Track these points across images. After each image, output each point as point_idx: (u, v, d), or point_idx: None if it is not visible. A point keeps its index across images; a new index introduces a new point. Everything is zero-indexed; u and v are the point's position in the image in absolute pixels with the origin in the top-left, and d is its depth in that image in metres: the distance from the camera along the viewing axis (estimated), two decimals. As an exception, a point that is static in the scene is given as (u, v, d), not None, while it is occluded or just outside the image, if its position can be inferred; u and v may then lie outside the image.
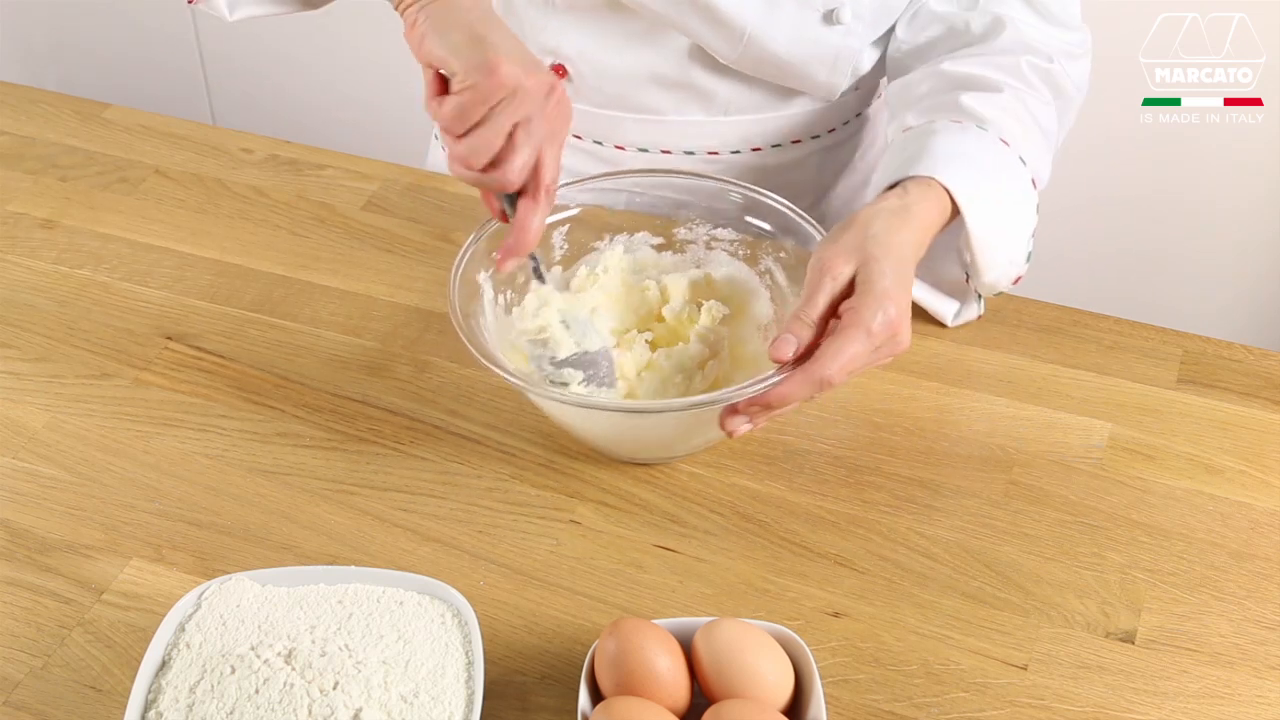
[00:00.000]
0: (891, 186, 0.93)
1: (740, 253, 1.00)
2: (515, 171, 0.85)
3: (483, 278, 0.95)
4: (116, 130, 1.28)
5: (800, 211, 0.96)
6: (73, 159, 1.24)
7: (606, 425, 0.90)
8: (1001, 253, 0.97)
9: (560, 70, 1.10)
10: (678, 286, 0.98)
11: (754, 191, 0.98)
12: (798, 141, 1.14)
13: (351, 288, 1.09)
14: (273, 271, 1.11)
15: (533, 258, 0.92)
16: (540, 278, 0.93)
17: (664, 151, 1.13)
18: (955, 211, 0.94)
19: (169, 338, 1.05)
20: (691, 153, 1.13)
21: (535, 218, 0.87)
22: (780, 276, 0.98)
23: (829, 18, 1.03)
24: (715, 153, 1.13)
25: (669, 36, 1.05)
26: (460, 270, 0.92)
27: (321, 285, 1.10)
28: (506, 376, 0.86)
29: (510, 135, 0.84)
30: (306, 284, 1.10)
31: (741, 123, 1.11)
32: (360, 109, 2.16)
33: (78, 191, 1.20)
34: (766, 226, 0.98)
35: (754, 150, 1.13)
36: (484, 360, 0.86)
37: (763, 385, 0.84)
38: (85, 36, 2.37)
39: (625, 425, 0.89)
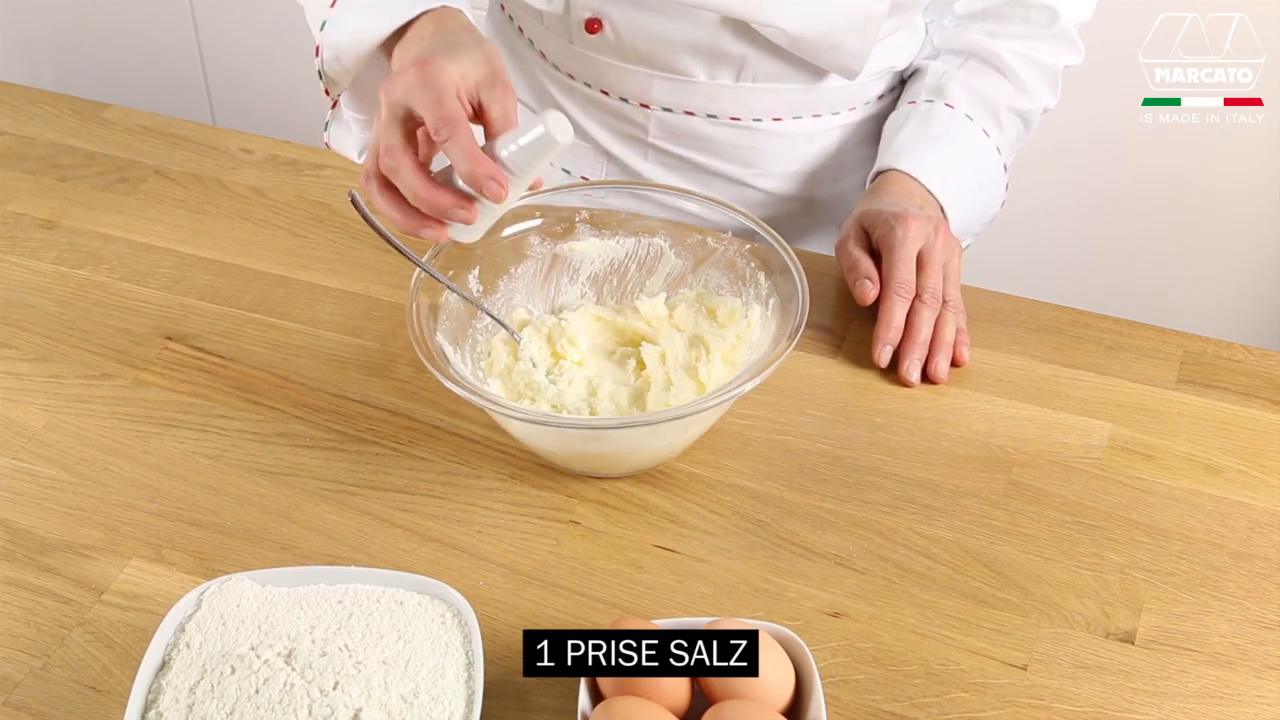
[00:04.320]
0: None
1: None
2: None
3: (446, 292, 0.95)
4: (116, 130, 1.28)
5: (754, 217, 0.98)
6: (73, 159, 1.24)
7: (563, 442, 0.90)
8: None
9: (597, 24, 1.10)
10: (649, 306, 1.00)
11: (706, 198, 1.00)
12: (818, 116, 1.15)
13: (351, 288, 1.09)
14: (272, 271, 1.11)
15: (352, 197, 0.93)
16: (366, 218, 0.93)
17: (688, 113, 1.14)
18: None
19: (169, 338, 1.05)
20: (714, 116, 1.14)
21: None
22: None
23: None
24: (737, 119, 1.14)
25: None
26: (418, 287, 0.93)
27: (321, 285, 1.10)
28: (467, 395, 0.86)
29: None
30: (306, 284, 1.10)
31: (769, 90, 1.12)
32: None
33: (78, 191, 1.20)
34: (722, 234, 0.99)
35: (775, 120, 1.14)
36: (446, 380, 0.86)
37: (736, 392, 0.85)
38: (85, 36, 2.37)
39: (583, 442, 0.90)
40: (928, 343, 1.01)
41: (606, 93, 1.16)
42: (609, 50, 1.12)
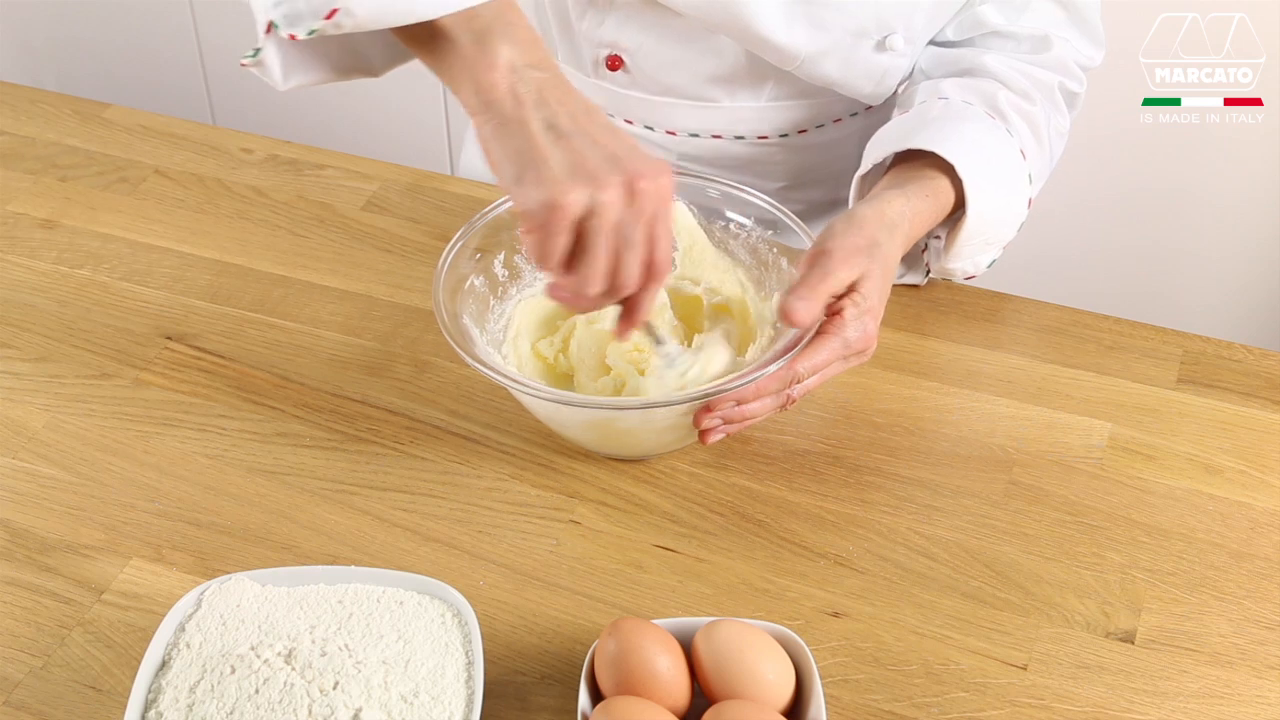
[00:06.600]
0: (901, 160, 0.99)
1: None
2: (632, 288, 0.78)
3: (472, 275, 0.95)
4: (116, 130, 1.28)
5: (777, 204, 0.97)
6: (73, 159, 1.24)
7: (584, 421, 0.90)
8: (974, 252, 1.04)
9: (617, 61, 1.10)
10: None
11: (732, 186, 1.00)
12: (839, 120, 1.15)
13: (351, 288, 1.09)
14: (272, 271, 1.11)
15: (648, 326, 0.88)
16: (657, 340, 0.89)
17: (714, 136, 1.14)
18: (951, 207, 0.99)
19: (169, 338, 1.05)
20: (741, 137, 1.14)
21: (646, 299, 0.80)
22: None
23: (881, 45, 1.04)
24: (765, 136, 1.14)
25: (725, 37, 1.06)
26: (446, 267, 0.93)
27: (321, 285, 1.10)
28: (488, 372, 0.86)
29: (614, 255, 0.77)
30: (306, 284, 1.10)
31: (791, 107, 1.12)
32: (360, 109, 2.16)
33: (78, 191, 1.20)
34: (745, 220, 0.99)
35: (800, 132, 1.14)
36: (467, 357, 0.86)
37: (741, 382, 0.85)
38: (85, 36, 2.37)
39: (605, 422, 0.90)
40: (746, 420, 0.88)
41: (630, 121, 1.15)
42: (630, 84, 1.12)
